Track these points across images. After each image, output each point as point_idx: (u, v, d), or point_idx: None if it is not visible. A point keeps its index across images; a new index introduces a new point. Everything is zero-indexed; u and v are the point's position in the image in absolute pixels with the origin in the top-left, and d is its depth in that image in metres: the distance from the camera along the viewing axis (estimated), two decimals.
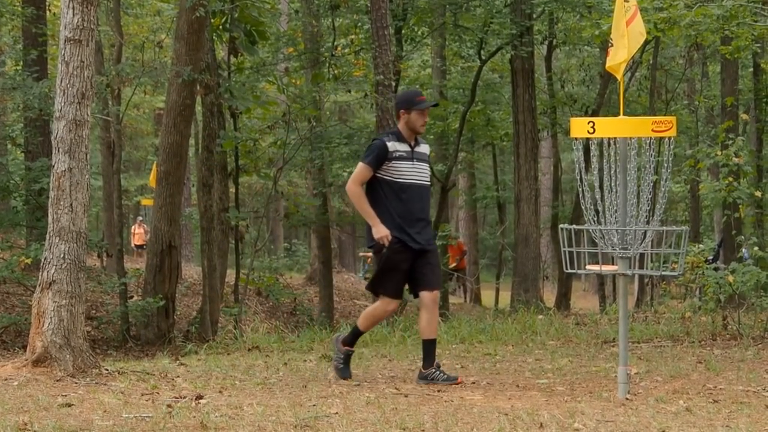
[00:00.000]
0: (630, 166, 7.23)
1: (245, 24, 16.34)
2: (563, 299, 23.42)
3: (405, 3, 20.92)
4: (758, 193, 14.60)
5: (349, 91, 22.77)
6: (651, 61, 23.53)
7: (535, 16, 21.69)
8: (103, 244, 17.38)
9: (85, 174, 8.23)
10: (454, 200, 31.83)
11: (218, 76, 15.94)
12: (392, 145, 8.19)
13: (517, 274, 21.04)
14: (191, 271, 23.73)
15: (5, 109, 21.19)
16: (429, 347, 8.20)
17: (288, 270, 29.79)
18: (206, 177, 15.62)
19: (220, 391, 7.58)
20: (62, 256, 8.10)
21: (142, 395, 7.27)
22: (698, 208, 25.79)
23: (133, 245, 31.57)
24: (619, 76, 7.57)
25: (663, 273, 7.48)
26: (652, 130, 7.09)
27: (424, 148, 8.40)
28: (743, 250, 16.75)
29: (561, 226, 7.34)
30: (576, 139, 7.36)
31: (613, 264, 7.41)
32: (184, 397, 7.15)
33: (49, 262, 8.13)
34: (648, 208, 7.28)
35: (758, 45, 17.07)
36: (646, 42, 18.94)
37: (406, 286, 8.39)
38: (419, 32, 22.76)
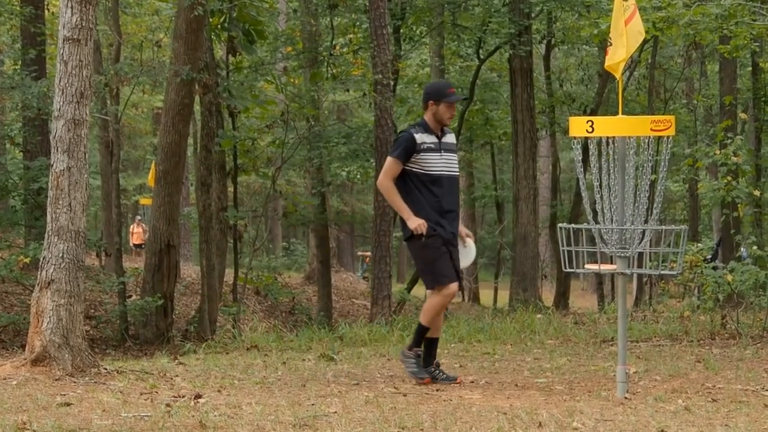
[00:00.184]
0: (629, 165, 7.23)
1: (244, 23, 16.33)
2: (562, 298, 23.44)
3: (403, 2, 20.93)
4: (757, 192, 14.58)
5: (348, 91, 22.78)
6: (650, 60, 23.53)
7: (533, 15, 21.70)
8: (101, 244, 17.38)
9: (84, 173, 8.23)
10: None
11: (217, 76, 15.92)
12: (420, 137, 8.06)
13: (515, 273, 21.04)
14: (190, 271, 23.71)
15: (4, 108, 21.21)
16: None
17: (286, 269, 29.78)
18: (205, 176, 15.61)
19: (218, 391, 7.58)
20: (61, 255, 8.10)
21: (141, 394, 7.27)
22: (697, 207, 25.78)
23: (131, 244, 31.61)
24: (617, 75, 7.57)
25: (662, 272, 7.48)
26: (651, 129, 7.08)
27: (450, 138, 8.27)
28: (742, 249, 16.72)
29: (559, 225, 7.34)
30: (575, 138, 7.36)
31: (611, 263, 7.40)
32: (183, 397, 7.14)
33: (48, 261, 8.13)
34: (646, 207, 7.27)
35: (757, 44, 17.06)
36: (645, 41, 18.94)
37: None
38: (418, 31, 22.77)
